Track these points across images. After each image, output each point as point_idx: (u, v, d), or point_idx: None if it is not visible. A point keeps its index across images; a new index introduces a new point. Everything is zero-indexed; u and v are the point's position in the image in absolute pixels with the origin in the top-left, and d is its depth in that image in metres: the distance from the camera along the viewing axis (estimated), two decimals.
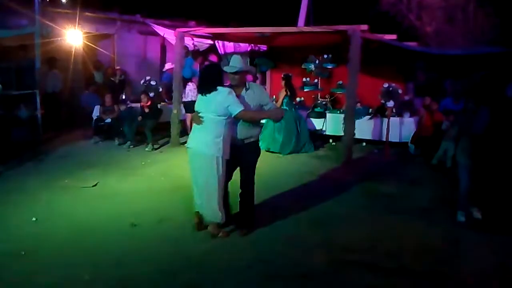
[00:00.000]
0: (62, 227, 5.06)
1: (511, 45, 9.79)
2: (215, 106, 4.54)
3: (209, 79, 4.63)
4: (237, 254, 4.48)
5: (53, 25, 10.69)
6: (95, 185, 6.74)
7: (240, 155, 4.80)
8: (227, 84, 4.79)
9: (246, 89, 4.79)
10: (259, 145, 5.08)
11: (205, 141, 4.60)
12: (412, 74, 10.75)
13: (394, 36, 9.84)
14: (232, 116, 4.56)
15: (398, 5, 15.74)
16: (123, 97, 10.73)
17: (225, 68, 4.79)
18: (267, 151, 9.06)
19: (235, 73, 4.73)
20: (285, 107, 9.20)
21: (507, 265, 4.41)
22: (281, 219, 5.42)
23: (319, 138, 10.06)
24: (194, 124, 4.80)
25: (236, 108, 4.52)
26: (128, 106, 10.14)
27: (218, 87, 4.57)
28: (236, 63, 4.76)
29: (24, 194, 6.24)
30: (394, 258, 4.48)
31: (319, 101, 11.10)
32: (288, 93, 9.28)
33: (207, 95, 4.59)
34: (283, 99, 9.22)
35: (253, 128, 4.86)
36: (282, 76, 9.40)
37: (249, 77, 12.75)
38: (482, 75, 5.90)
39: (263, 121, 9.83)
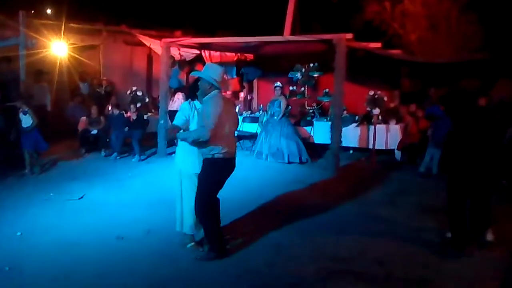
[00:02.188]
0: (47, 241, 4.99)
1: (494, 52, 9.93)
2: None
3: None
4: (225, 265, 4.45)
5: (38, 36, 10.59)
6: (81, 197, 6.67)
7: None
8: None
9: (202, 102, 4.46)
10: (216, 164, 4.39)
11: (177, 153, 4.78)
12: (397, 82, 10.84)
13: (378, 45, 9.93)
14: None
15: (382, 13, 15.89)
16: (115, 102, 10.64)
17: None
18: (289, 163, 9.06)
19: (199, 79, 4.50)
20: (285, 116, 9.37)
21: (493, 275, 4.42)
22: (269, 229, 5.40)
23: (310, 147, 10.06)
24: None
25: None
26: (121, 112, 10.03)
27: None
28: (203, 70, 4.54)
29: (8, 208, 6.14)
30: (382, 266, 4.50)
31: (306, 109, 11.16)
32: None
33: None
34: (285, 108, 9.31)
35: (201, 143, 4.32)
36: (279, 85, 9.46)
37: (235, 85, 12.82)
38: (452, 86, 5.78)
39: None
